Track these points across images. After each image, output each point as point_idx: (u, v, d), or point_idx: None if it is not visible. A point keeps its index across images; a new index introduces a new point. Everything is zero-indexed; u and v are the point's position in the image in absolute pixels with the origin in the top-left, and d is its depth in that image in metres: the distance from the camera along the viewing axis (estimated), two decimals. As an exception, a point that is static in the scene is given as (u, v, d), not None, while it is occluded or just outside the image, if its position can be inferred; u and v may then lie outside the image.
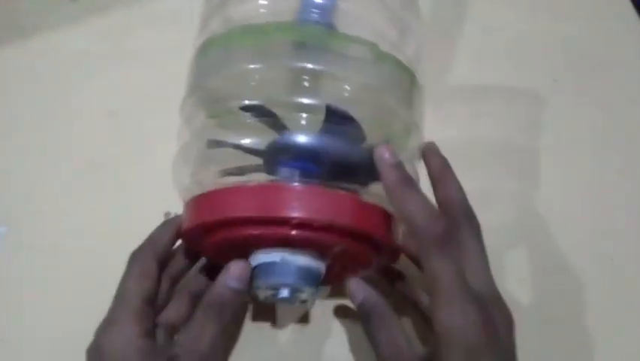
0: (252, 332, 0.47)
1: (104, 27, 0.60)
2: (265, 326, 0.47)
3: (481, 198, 0.50)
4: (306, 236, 0.37)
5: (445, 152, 0.52)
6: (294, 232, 0.37)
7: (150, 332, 0.39)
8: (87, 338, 0.46)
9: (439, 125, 0.54)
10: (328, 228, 0.37)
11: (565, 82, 0.57)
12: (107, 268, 0.49)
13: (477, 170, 0.52)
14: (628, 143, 0.54)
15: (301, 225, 0.37)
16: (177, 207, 0.43)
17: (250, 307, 0.47)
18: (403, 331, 0.40)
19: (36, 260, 0.50)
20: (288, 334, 0.47)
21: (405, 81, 0.42)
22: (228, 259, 0.43)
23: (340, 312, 0.47)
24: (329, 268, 0.43)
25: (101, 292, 0.48)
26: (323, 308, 0.47)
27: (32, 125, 0.56)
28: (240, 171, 0.41)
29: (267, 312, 0.47)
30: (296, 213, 0.36)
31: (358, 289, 0.42)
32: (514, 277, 0.46)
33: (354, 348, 0.46)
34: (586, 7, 0.61)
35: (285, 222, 0.37)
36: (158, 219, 0.50)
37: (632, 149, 0.54)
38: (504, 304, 0.37)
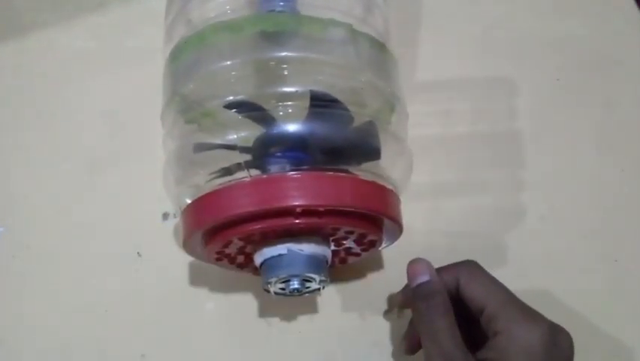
0: (260, 327, 0.47)
1: (103, 25, 0.60)
2: (274, 321, 0.47)
3: (481, 194, 0.52)
4: (312, 223, 0.37)
5: (447, 146, 0.53)
6: (298, 221, 0.37)
7: None
8: (85, 338, 0.46)
9: (441, 120, 0.55)
10: (333, 211, 0.37)
11: (567, 81, 0.57)
12: (106, 268, 0.49)
13: (477, 168, 0.53)
14: (631, 142, 0.55)
15: (305, 212, 0.37)
16: (177, 207, 0.43)
17: (256, 303, 0.47)
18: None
19: (34, 260, 0.49)
20: (297, 326, 0.47)
21: (381, 57, 0.42)
22: (232, 262, 0.43)
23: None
24: (334, 253, 0.43)
25: (100, 292, 0.48)
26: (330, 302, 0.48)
27: (30, 124, 0.55)
28: (230, 170, 0.41)
29: (273, 307, 0.47)
30: (299, 201, 0.36)
31: (424, 268, 0.41)
32: (514, 274, 0.47)
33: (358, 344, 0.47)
34: (589, 5, 0.61)
35: (289, 211, 0.37)
36: (158, 220, 0.50)
37: (635, 148, 0.54)
38: (567, 333, 0.38)
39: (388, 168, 0.41)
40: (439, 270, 0.41)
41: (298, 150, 0.39)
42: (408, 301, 0.43)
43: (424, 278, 0.40)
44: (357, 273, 0.48)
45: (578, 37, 0.59)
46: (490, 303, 0.38)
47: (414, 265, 0.41)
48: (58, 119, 0.55)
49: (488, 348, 0.37)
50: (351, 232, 0.40)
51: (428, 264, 0.41)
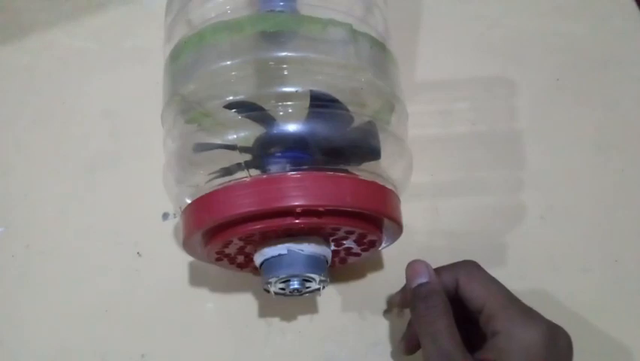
0: (260, 327, 0.47)
1: (103, 26, 0.60)
2: (274, 321, 0.47)
3: (481, 194, 0.52)
4: (312, 223, 0.37)
5: (447, 146, 0.53)
6: (298, 221, 0.37)
7: None
8: (85, 338, 0.46)
9: (441, 120, 0.55)
10: (333, 211, 0.37)
11: (567, 81, 0.57)
12: (106, 269, 0.49)
13: (477, 168, 0.53)
14: (630, 142, 0.55)
15: (305, 212, 0.37)
16: (177, 207, 0.43)
17: (256, 303, 0.47)
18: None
19: (34, 260, 0.50)
20: (297, 326, 0.47)
21: (381, 57, 0.43)
22: (232, 262, 0.43)
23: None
24: (334, 253, 0.43)
25: (100, 292, 0.48)
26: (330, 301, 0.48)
27: (30, 124, 0.55)
28: (230, 170, 0.41)
29: (273, 307, 0.47)
30: (299, 201, 0.36)
31: (423, 269, 0.41)
32: (514, 274, 0.47)
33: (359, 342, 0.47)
34: (589, 5, 0.61)
35: (289, 212, 0.37)
36: (158, 220, 0.50)
37: (635, 148, 0.54)
38: (566, 333, 0.38)
39: (388, 168, 0.41)
40: (438, 270, 0.41)
41: (298, 150, 0.39)
42: (407, 302, 0.43)
43: (422, 279, 0.40)
44: (357, 273, 0.48)
45: (578, 37, 0.59)
46: (489, 303, 0.38)
47: (412, 266, 0.41)
48: (58, 119, 0.55)
49: (487, 348, 0.37)
50: (351, 232, 0.40)
51: (427, 265, 0.41)
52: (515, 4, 0.61)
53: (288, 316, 0.47)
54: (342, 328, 0.47)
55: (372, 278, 0.48)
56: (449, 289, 0.40)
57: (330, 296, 0.47)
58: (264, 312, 0.47)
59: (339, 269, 0.47)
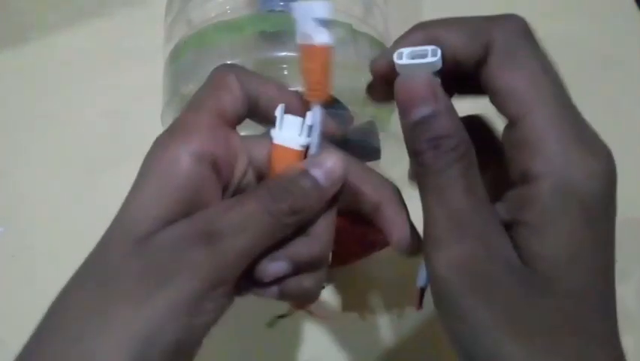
0: (260, 327, 0.47)
1: (103, 26, 0.60)
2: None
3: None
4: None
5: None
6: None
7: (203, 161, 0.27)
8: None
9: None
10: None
11: (567, 81, 0.57)
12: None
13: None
14: (631, 141, 0.54)
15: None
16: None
17: (256, 303, 0.47)
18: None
19: (34, 260, 0.50)
20: (297, 326, 0.47)
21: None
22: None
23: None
24: (334, 254, 0.43)
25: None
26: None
27: (31, 124, 0.56)
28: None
29: (273, 307, 0.47)
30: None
31: (426, 91, 0.26)
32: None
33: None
34: (589, 5, 0.61)
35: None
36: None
37: (635, 148, 0.54)
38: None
39: (388, 168, 0.41)
40: (447, 25, 0.26)
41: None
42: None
43: (425, 109, 0.26)
44: (358, 273, 0.48)
45: (578, 37, 0.59)
46: (530, 118, 0.24)
47: (407, 85, 0.26)
48: (58, 119, 0.55)
49: (518, 202, 0.24)
50: (352, 232, 0.40)
51: (430, 81, 0.26)
52: (515, 4, 0.61)
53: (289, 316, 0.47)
54: (343, 328, 0.47)
55: (372, 278, 0.48)
56: (464, 59, 0.26)
57: (331, 296, 0.47)
58: (264, 312, 0.47)
59: (339, 269, 0.47)
